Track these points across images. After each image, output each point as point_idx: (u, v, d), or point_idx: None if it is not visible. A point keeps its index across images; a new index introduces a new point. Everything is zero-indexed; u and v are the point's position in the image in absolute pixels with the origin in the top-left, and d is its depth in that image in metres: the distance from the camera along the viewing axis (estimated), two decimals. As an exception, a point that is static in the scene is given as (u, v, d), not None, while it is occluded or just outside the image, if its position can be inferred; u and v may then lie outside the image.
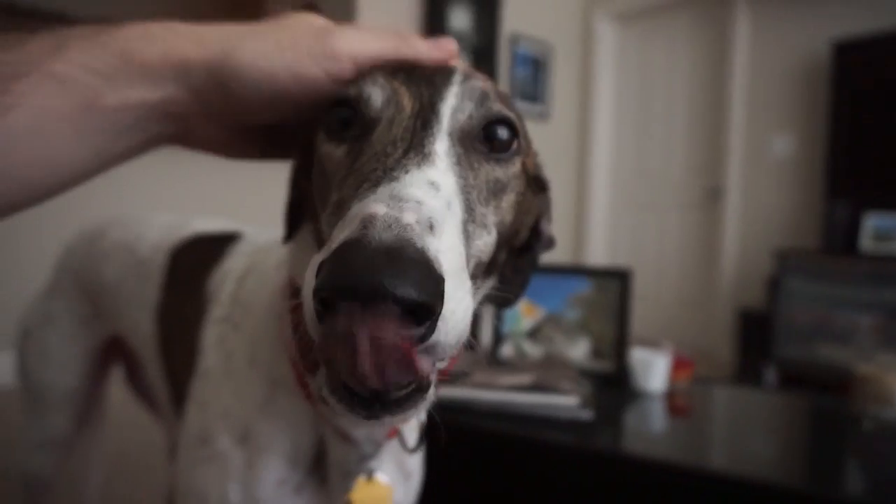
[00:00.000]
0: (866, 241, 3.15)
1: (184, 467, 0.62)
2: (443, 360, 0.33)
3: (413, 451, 0.62)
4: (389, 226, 0.30)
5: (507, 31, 4.20)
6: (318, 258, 0.31)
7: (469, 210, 0.39)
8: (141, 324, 0.87)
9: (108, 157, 0.41)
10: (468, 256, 0.38)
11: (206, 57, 0.40)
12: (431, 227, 0.32)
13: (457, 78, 0.45)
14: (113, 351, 1.08)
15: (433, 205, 0.33)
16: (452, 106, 0.43)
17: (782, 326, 2.72)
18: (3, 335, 2.19)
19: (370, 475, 0.59)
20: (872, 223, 3.17)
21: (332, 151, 0.43)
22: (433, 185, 0.36)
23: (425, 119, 0.41)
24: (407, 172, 0.35)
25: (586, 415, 1.20)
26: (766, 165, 3.83)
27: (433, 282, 0.29)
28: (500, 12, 4.09)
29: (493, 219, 0.44)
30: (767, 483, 1.03)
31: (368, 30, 0.46)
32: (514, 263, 0.57)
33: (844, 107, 3.37)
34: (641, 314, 2.50)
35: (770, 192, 3.82)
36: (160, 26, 0.41)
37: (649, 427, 1.32)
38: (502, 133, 0.45)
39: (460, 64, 0.48)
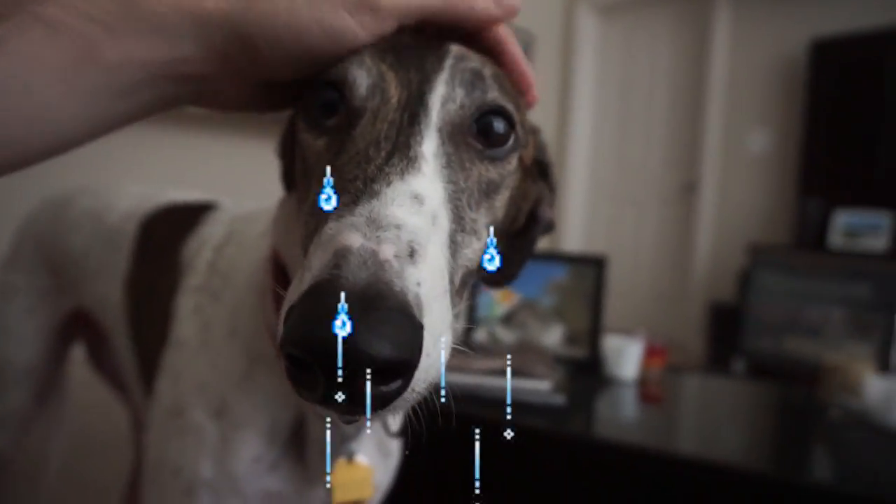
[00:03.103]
0: (836, 238, 3.21)
1: (155, 439, 0.60)
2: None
3: (395, 435, 0.60)
4: (365, 262, 0.28)
5: (489, 18, 4.16)
6: (290, 293, 0.29)
7: (458, 219, 0.37)
8: (109, 295, 0.84)
9: (108, 119, 0.36)
10: (455, 268, 0.36)
11: (225, 9, 0.35)
12: (412, 254, 0.30)
13: (449, 61, 0.40)
14: (75, 326, 1.04)
15: (415, 225, 0.31)
16: (442, 95, 0.39)
17: (752, 320, 2.76)
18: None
19: (350, 457, 0.57)
20: (843, 220, 3.23)
21: (312, 143, 0.39)
22: (417, 198, 0.33)
23: (413, 112, 0.37)
24: (389, 185, 0.33)
25: (559, 400, 1.20)
26: (741, 161, 3.88)
27: (411, 336, 0.27)
28: None
29: (483, 221, 0.40)
30: (736, 468, 1.04)
31: None
32: (510, 244, 0.54)
33: (820, 105, 3.42)
34: (616, 306, 2.52)
35: (745, 187, 3.86)
36: None
37: (621, 413, 1.32)
38: (498, 126, 0.40)
39: (455, 46, 0.42)
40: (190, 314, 0.62)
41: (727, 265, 3.77)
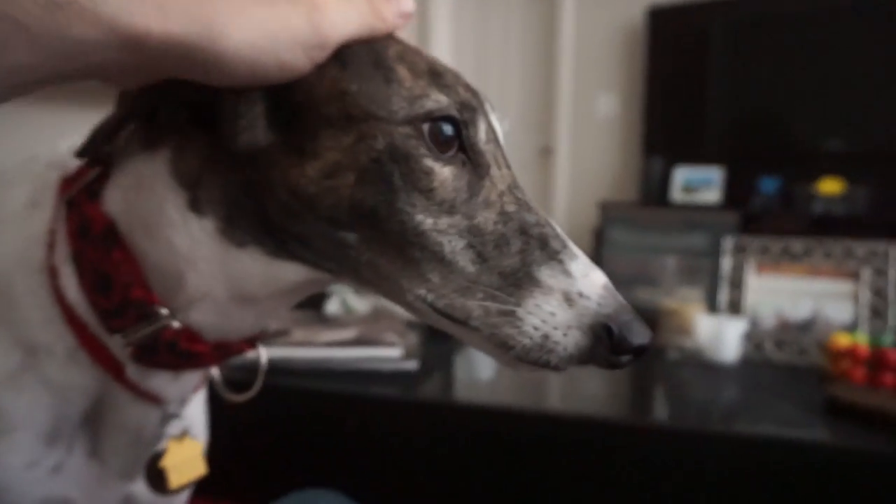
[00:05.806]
0: (676, 193, 3.46)
1: None
2: None
3: (239, 393, 0.56)
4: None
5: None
6: (595, 303, 0.40)
7: None
8: None
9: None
10: None
11: (173, 34, 0.32)
12: None
13: (485, 102, 0.47)
14: None
15: None
16: (503, 133, 0.48)
17: (607, 274, 2.91)
18: None
19: (182, 435, 0.53)
20: (681, 176, 3.47)
21: (438, 170, 0.42)
22: None
23: (502, 151, 0.46)
24: (555, 227, 0.43)
25: (410, 365, 1.16)
26: (591, 125, 4.06)
27: None
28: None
29: None
30: (597, 419, 1.06)
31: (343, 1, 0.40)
32: None
33: (658, 70, 3.63)
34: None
35: (595, 149, 4.05)
36: None
37: (480, 374, 1.32)
38: None
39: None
40: None
41: (583, 224, 3.95)
